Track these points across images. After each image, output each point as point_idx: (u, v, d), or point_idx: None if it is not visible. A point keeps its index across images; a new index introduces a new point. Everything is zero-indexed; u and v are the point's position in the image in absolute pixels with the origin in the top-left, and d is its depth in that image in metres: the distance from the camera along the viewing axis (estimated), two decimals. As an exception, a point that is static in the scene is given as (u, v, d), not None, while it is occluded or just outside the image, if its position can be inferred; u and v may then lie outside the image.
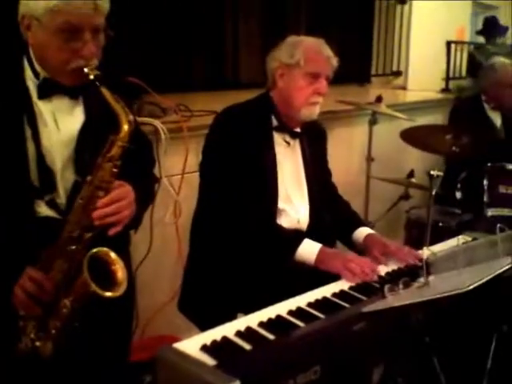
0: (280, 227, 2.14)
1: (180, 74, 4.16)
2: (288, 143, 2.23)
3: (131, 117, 1.62)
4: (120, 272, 1.61)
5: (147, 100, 3.04)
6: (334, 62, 2.19)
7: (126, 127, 1.61)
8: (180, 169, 2.99)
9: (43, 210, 1.71)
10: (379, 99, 3.78)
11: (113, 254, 1.62)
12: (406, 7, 6.16)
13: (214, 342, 1.44)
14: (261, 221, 2.10)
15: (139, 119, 2.46)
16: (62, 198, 1.73)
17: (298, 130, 2.26)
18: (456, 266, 1.69)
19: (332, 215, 2.37)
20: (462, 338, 2.19)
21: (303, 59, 2.13)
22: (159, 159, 2.74)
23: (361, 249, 2.24)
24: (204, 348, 1.41)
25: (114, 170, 1.62)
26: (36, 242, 1.65)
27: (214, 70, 4.54)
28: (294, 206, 2.22)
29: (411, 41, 6.12)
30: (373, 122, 3.83)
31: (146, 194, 1.84)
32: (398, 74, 6.30)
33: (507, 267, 1.64)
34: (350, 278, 1.91)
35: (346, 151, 4.27)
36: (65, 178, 1.72)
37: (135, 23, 3.59)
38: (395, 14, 6.19)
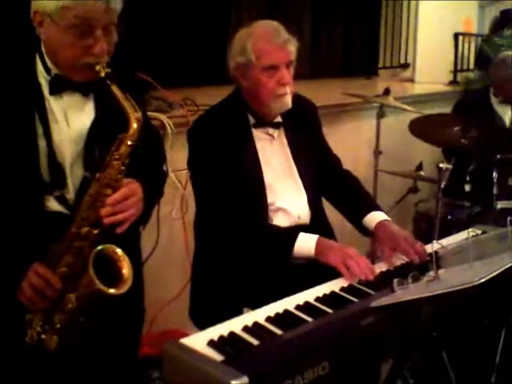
0: (272, 226, 2.06)
1: (186, 69, 4.14)
2: (272, 136, 2.13)
3: (140, 115, 1.62)
4: (126, 269, 1.61)
5: (153, 95, 3.05)
6: (292, 45, 2.02)
7: (134, 125, 1.61)
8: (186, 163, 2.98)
9: (52, 205, 1.72)
10: (387, 92, 3.76)
11: (119, 251, 1.61)
12: (413, -1, 6.13)
13: (221, 338, 1.43)
14: (251, 222, 2.03)
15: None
16: (71, 194, 1.73)
17: (278, 119, 2.14)
18: (466, 260, 1.67)
19: (337, 196, 2.27)
20: (470, 332, 2.17)
21: (254, 55, 1.99)
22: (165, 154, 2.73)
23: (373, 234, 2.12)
24: (211, 343, 1.40)
25: (123, 168, 1.62)
26: (45, 236, 1.66)
27: (220, 65, 4.50)
28: (291, 201, 2.12)
29: (419, 33, 6.07)
30: (380, 115, 3.80)
31: (154, 190, 1.85)
32: (405, 66, 6.25)
33: (518, 260, 1.62)
34: (346, 275, 1.81)
35: (353, 144, 4.24)
36: (74, 174, 1.73)
37: (141, 18, 3.58)
38: (402, 5, 6.15)
